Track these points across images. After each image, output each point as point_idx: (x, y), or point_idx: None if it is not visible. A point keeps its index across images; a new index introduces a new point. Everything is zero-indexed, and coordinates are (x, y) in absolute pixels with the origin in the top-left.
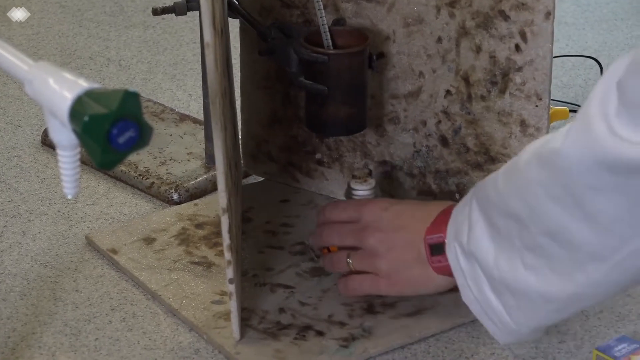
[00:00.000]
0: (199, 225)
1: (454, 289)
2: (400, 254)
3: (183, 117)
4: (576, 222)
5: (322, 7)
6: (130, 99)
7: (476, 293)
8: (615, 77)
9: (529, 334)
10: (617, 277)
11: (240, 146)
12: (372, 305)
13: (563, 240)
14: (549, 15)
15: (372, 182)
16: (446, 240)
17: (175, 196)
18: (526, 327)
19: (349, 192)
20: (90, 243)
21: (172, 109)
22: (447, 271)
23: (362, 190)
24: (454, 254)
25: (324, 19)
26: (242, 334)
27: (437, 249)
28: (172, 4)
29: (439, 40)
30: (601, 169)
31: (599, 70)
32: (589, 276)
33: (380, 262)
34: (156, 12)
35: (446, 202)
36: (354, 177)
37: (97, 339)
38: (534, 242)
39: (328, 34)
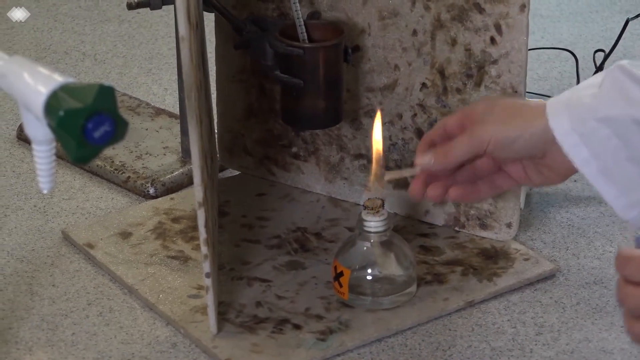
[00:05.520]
0: (175, 220)
1: None
2: None
3: (159, 111)
4: None
5: (297, 0)
6: (106, 93)
7: None
8: None
9: None
10: None
11: (216, 140)
12: None
13: None
14: (524, 7)
15: (384, 212)
16: None
17: (151, 190)
18: None
19: (360, 225)
20: (66, 238)
21: (147, 103)
22: None
23: (374, 222)
24: None
25: (299, 12)
26: (219, 327)
27: None
28: None
29: (414, 33)
30: None
31: (575, 62)
32: None
33: None
34: (131, 6)
35: None
36: (365, 207)
37: (74, 333)
38: None
39: (303, 27)
